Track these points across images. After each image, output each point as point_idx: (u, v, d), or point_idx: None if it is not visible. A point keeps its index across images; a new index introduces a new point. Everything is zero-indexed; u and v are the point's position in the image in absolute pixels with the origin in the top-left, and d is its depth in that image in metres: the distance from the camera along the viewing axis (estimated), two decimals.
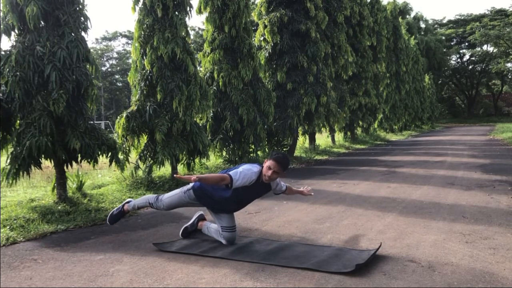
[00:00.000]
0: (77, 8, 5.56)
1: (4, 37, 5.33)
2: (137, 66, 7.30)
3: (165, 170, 7.92)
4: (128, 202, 4.32)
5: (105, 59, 54.03)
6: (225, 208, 3.85)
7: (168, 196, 4.04)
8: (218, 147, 9.02)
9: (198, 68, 8.52)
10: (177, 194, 3.98)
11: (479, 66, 52.53)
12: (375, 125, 21.91)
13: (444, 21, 54.39)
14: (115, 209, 4.35)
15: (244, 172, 3.62)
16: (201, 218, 4.25)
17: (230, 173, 3.60)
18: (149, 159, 7.22)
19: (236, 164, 8.89)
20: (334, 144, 15.73)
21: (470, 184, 6.91)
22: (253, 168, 3.70)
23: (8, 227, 4.58)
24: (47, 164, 6.14)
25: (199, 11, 9.27)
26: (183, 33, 7.25)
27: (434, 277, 3.05)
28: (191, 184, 3.90)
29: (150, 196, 4.19)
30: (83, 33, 5.64)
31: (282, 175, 3.76)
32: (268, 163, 3.70)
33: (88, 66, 5.62)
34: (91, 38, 69.46)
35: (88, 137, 5.46)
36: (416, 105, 29.79)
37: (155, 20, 7.10)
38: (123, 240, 4.23)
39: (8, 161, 5.19)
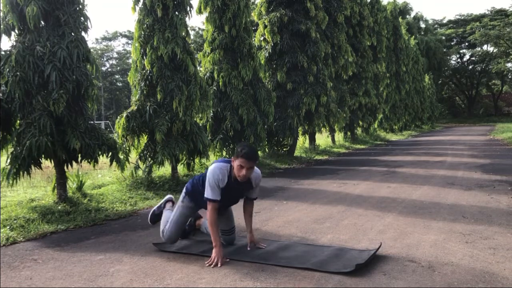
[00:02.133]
0: (77, 8, 5.56)
1: (4, 37, 5.34)
2: (137, 66, 7.30)
3: (165, 170, 7.92)
4: (171, 201, 4.29)
5: (105, 59, 54.03)
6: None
7: (168, 221, 3.83)
8: (218, 147, 9.02)
9: (198, 68, 8.52)
10: (176, 211, 3.82)
11: (479, 66, 52.52)
12: (375, 125, 21.92)
13: (444, 21, 54.39)
14: (155, 207, 4.32)
15: (209, 183, 3.47)
16: (197, 216, 4.23)
17: (205, 196, 3.48)
18: (149, 159, 7.22)
19: None
20: (334, 144, 15.73)
21: (470, 184, 6.91)
22: (216, 169, 3.50)
23: (8, 227, 4.58)
24: (47, 164, 6.14)
25: (199, 11, 9.27)
26: (183, 33, 7.25)
27: (434, 277, 3.05)
28: (183, 192, 3.84)
29: (164, 222, 3.94)
30: (83, 33, 5.64)
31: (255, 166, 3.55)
32: (237, 162, 3.44)
33: (88, 66, 5.62)
34: (91, 38, 69.59)
35: (88, 137, 5.46)
36: (416, 105, 29.80)
37: (155, 20, 7.10)
38: (123, 240, 4.23)
39: (8, 161, 5.19)
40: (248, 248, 3.69)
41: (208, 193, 3.48)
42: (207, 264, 3.34)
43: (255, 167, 3.58)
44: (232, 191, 3.58)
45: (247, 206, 3.79)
